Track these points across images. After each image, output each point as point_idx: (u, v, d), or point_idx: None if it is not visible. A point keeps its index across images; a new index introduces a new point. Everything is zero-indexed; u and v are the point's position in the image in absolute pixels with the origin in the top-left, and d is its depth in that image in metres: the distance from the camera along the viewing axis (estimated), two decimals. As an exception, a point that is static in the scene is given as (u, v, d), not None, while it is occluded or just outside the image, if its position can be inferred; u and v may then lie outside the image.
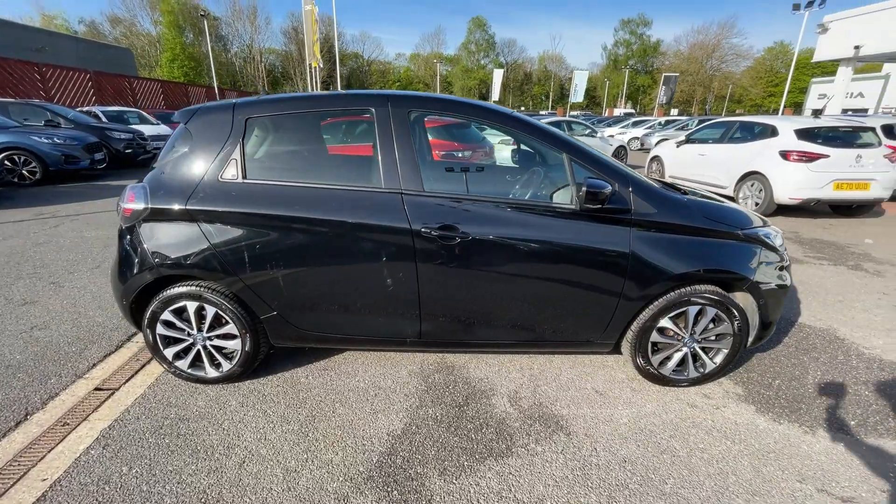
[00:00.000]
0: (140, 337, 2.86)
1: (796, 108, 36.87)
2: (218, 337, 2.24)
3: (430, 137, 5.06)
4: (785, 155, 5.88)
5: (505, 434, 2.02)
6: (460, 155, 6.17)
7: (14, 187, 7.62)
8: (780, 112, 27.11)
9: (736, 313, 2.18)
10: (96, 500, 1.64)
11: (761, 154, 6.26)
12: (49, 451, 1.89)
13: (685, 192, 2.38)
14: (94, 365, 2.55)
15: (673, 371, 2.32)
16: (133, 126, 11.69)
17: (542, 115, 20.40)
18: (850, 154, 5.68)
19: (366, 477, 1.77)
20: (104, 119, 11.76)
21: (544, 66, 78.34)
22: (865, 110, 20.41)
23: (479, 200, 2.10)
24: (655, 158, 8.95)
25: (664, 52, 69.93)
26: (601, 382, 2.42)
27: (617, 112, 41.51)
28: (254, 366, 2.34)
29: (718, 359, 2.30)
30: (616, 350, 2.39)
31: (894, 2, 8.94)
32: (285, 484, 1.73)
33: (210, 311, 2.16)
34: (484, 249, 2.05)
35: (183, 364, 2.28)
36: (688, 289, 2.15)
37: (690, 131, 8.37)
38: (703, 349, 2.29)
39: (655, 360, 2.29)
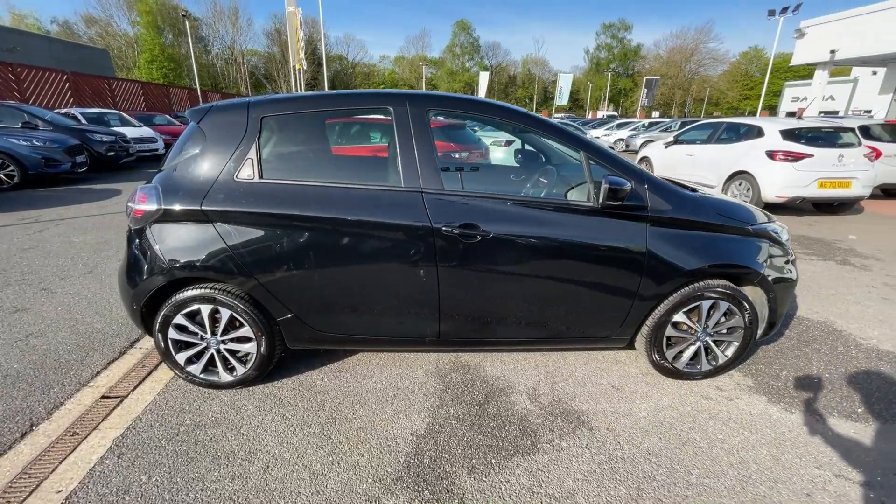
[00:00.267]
0: (144, 343, 2.78)
1: (771, 110, 38.10)
2: (232, 340, 2.19)
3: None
4: (771, 155, 6.08)
5: (529, 431, 2.03)
6: (457, 156, 6.19)
7: (-9, 192, 7.32)
8: (758, 114, 27.98)
9: (747, 306, 2.24)
10: (118, 510, 1.58)
11: (748, 154, 6.45)
12: (61, 462, 1.81)
13: (695, 190, 2.44)
14: (98, 372, 2.46)
15: (686, 365, 2.37)
16: (115, 128, 11.36)
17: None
18: (833, 153, 5.90)
19: (395, 478, 1.75)
20: (83, 121, 11.39)
21: (528, 69, 79.18)
22: (836, 112, 21.25)
23: (498, 198, 2.10)
24: (644, 159, 9.13)
25: (644, 55, 71.50)
26: (616, 378, 2.45)
27: (600, 114, 42.24)
28: (268, 369, 2.30)
29: (730, 351, 2.36)
30: (630, 346, 2.42)
31: (867, 8, 9.37)
32: (313, 487, 1.70)
33: (224, 314, 2.11)
34: (504, 247, 2.06)
35: (195, 369, 2.22)
36: (701, 283, 2.20)
37: (678, 132, 8.57)
38: (715, 342, 2.34)
39: (670, 354, 2.34)
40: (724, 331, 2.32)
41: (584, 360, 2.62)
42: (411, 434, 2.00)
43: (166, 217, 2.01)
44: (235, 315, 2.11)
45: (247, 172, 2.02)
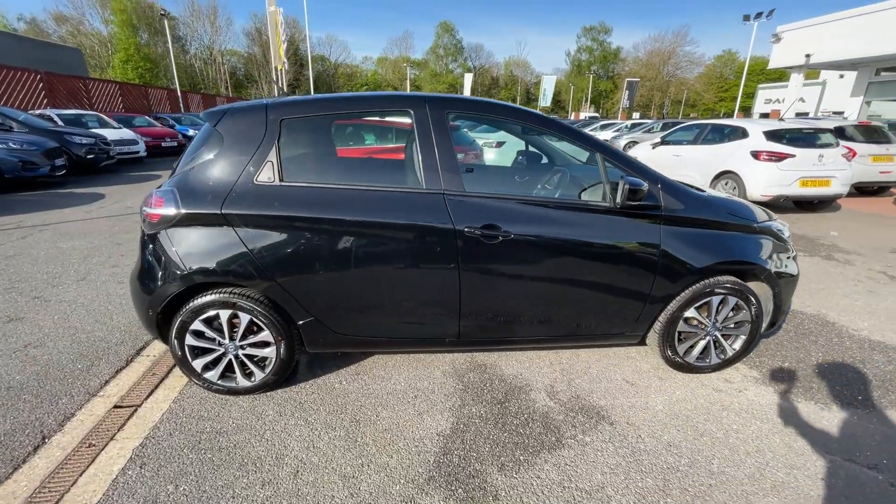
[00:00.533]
0: (151, 351, 2.72)
1: (745, 112, 39.39)
2: (251, 345, 2.16)
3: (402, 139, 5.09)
4: (756, 155, 6.30)
5: (552, 427, 2.06)
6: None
7: (-35, 197, 7.00)
8: (734, 115, 28.87)
9: (754, 301, 2.33)
10: (149, 521, 1.55)
11: (733, 154, 6.67)
12: (80, 475, 1.76)
13: (702, 190, 2.52)
14: (107, 382, 2.40)
15: (697, 359, 2.44)
16: (93, 130, 11.00)
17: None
18: (814, 153, 6.16)
19: (427, 478, 1.76)
20: (60, 123, 10.98)
21: (510, 70, 79.89)
22: (807, 114, 22.11)
23: (518, 200, 2.14)
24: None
25: (624, 58, 73.00)
26: (629, 373, 2.51)
27: (582, 116, 42.89)
28: (287, 374, 2.28)
29: (737, 345, 2.45)
30: (641, 342, 2.49)
31: (839, 14, 9.82)
32: (346, 491, 1.70)
33: (244, 319, 2.09)
34: (524, 247, 2.09)
35: (213, 375, 2.18)
36: (711, 280, 2.28)
37: (665, 134, 8.80)
38: (723, 336, 2.43)
39: (681, 349, 2.41)
40: (732, 325, 2.41)
41: (596, 356, 2.67)
42: (437, 434, 2.01)
43: (185, 221, 1.98)
44: (255, 319, 2.08)
45: (267, 175, 2.00)
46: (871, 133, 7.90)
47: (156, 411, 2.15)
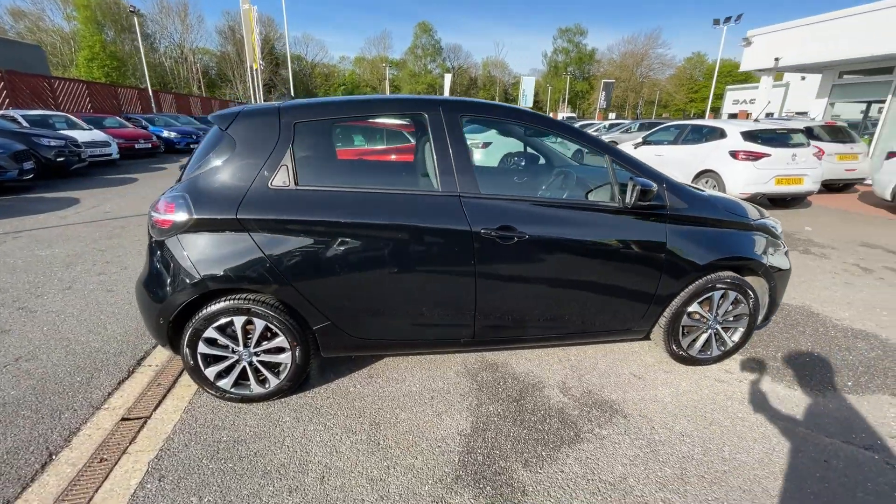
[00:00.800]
0: (152, 360, 2.64)
1: (715, 112, 40.89)
2: (265, 352, 2.13)
3: (412, 141, 5.10)
4: (734, 154, 6.58)
5: (569, 422, 2.12)
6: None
7: (-75, 203, 6.59)
8: (706, 116, 29.91)
9: (752, 294, 2.45)
10: (177, 534, 1.52)
11: (713, 154, 6.94)
12: (96, 491, 1.71)
13: (702, 189, 2.63)
14: (110, 394, 2.32)
15: (699, 351, 2.55)
16: (63, 132, 10.51)
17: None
18: (788, 153, 6.47)
19: (454, 477, 1.78)
20: (25, 124, 10.45)
21: (488, 71, 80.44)
22: (772, 114, 23.15)
23: (531, 201, 2.18)
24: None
25: (599, 59, 74.56)
26: (636, 367, 2.59)
27: (560, 116, 43.63)
28: (302, 379, 2.25)
29: (736, 337, 2.56)
30: (646, 337, 2.57)
31: (806, 20, 10.36)
32: (376, 494, 1.70)
33: (259, 325, 2.06)
34: (539, 248, 2.14)
35: (226, 383, 2.14)
36: (713, 275, 2.38)
37: (647, 134, 9.06)
38: (723, 329, 2.54)
39: (685, 342, 2.51)
40: (732, 318, 2.52)
41: (602, 352, 2.75)
42: (458, 433, 2.03)
43: (198, 227, 1.94)
44: (270, 325, 2.06)
45: (281, 179, 1.98)
46: (836, 133, 8.34)
47: (167, 422, 2.09)
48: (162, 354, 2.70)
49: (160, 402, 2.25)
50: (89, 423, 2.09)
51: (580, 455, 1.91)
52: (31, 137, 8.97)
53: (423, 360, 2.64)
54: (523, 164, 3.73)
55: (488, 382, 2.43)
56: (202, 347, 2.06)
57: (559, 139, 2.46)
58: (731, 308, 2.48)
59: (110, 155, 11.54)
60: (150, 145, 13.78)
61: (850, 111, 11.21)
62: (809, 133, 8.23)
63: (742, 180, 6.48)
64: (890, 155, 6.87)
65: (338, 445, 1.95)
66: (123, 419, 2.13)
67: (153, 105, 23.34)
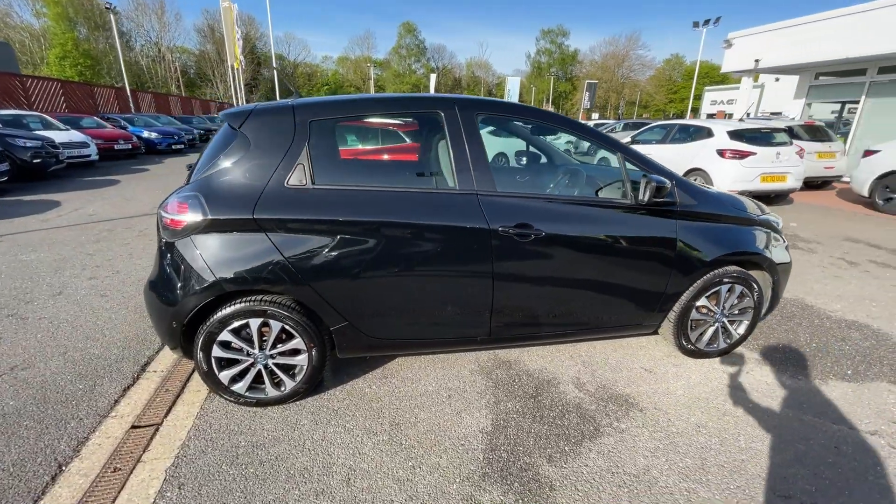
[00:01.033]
0: (156, 366, 2.56)
1: (695, 112, 41.93)
2: (281, 354, 2.09)
3: (407, 140, 5.08)
4: (721, 153, 6.75)
5: (587, 417, 2.14)
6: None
7: None
8: (687, 116, 30.62)
9: (756, 288, 2.52)
10: (205, 543, 1.48)
11: (700, 153, 7.12)
12: (113, 501, 1.65)
13: (708, 187, 2.69)
14: (116, 401, 2.24)
15: (706, 344, 2.61)
16: (38, 132, 10.11)
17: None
18: (772, 151, 6.68)
19: (481, 475, 1.78)
20: (-3, 124, 10.03)
21: (472, 71, 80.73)
22: (749, 114, 23.86)
23: (547, 198, 2.20)
24: (604, 159, 9.70)
25: (581, 60, 75.60)
26: (645, 361, 2.64)
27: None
28: (317, 381, 2.22)
29: (741, 329, 2.63)
30: (654, 331, 2.62)
31: (785, 23, 10.72)
32: (404, 494, 1.69)
33: (275, 327, 2.02)
34: (555, 245, 2.15)
35: (241, 387, 2.10)
36: (720, 270, 2.44)
37: (635, 133, 9.23)
38: (729, 322, 2.60)
39: (693, 336, 2.56)
40: (737, 312, 2.59)
41: (612, 347, 2.79)
42: (480, 431, 2.03)
43: (213, 227, 1.89)
44: (287, 327, 2.02)
45: (298, 178, 1.95)
46: (814, 132, 8.64)
47: (180, 429, 2.04)
48: (166, 360, 2.62)
49: (170, 408, 2.19)
50: (97, 432, 2.02)
51: (602, 449, 1.93)
52: (4, 138, 8.61)
53: (436, 359, 2.63)
54: (524, 161, 3.76)
55: (503, 380, 2.43)
56: (216, 351, 2.01)
57: (568, 136, 2.48)
58: (736, 302, 2.55)
59: (89, 156, 11.16)
60: (130, 146, 13.38)
61: (821, 112, 11.64)
62: (790, 132, 8.52)
63: (729, 178, 6.66)
64: (867, 153, 7.15)
65: (360, 447, 1.93)
66: (133, 427, 2.06)
67: (131, 105, 22.67)
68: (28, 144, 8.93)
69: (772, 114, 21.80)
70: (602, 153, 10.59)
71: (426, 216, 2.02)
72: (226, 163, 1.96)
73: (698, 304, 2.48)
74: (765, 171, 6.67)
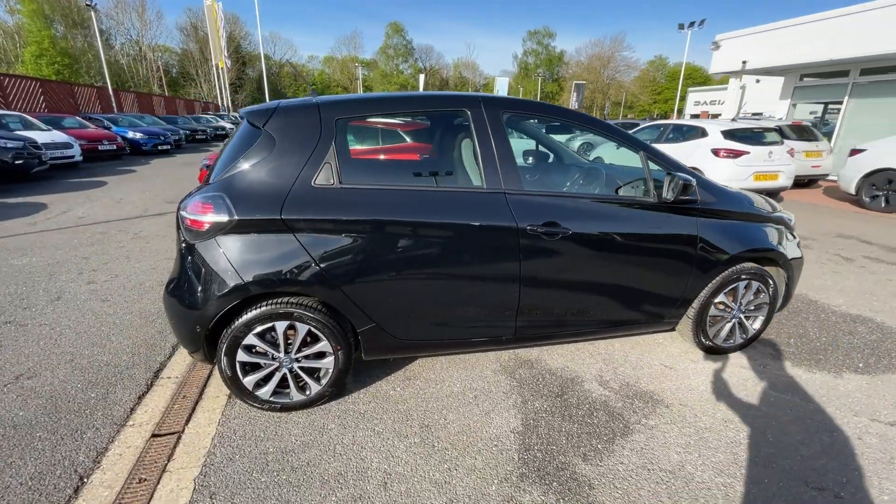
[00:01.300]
0: (171, 372, 2.49)
1: (680, 112, 42.69)
2: (307, 357, 2.05)
3: (408, 140, 5.05)
4: (716, 152, 6.88)
5: (616, 414, 2.15)
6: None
7: None
8: (674, 116, 31.14)
9: (772, 284, 2.56)
10: (246, 553, 1.43)
11: (695, 152, 7.24)
12: (143, 514, 1.59)
13: (725, 185, 2.72)
14: (132, 409, 2.17)
15: (724, 340, 2.64)
16: (19, 132, 9.77)
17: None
18: (764, 151, 6.83)
19: (518, 475, 1.77)
20: (-25, 124, 9.67)
21: (460, 72, 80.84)
22: (741, 115, 24.39)
23: (574, 196, 2.20)
24: (598, 159, 9.80)
25: (567, 61, 76.34)
26: (665, 358, 2.66)
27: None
28: (343, 384, 2.18)
29: (757, 325, 2.68)
30: (672, 328, 2.64)
31: (771, 25, 11.01)
32: (444, 497, 1.66)
33: (301, 330, 1.98)
34: (582, 243, 2.16)
35: (266, 392, 2.05)
36: (738, 266, 2.47)
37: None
38: (745, 318, 2.64)
39: (711, 332, 2.59)
40: (753, 307, 2.63)
41: (630, 345, 2.80)
42: (511, 431, 2.02)
43: (239, 228, 1.84)
44: (314, 329, 1.98)
45: (325, 177, 1.91)
46: (802, 132, 8.87)
47: (203, 437, 1.98)
48: (180, 365, 2.55)
49: (190, 415, 2.13)
50: (117, 442, 1.95)
51: (635, 446, 1.94)
52: (-15, 138, 8.30)
53: (458, 359, 2.61)
54: (530, 160, 3.76)
55: (527, 379, 2.43)
56: (241, 355, 1.96)
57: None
58: (753, 298, 2.59)
59: (73, 157, 10.83)
60: (114, 147, 13.01)
61: (801, 112, 11.96)
62: (779, 132, 8.72)
63: (725, 177, 6.78)
64: (853, 152, 7.37)
65: (392, 450, 1.90)
66: (154, 435, 1.99)
67: (113, 104, 22.07)
68: (9, 145, 8.60)
69: (753, 114, 22.24)
70: (595, 153, 10.72)
71: (455, 215, 2.00)
72: (249, 162, 1.91)
73: (716, 300, 2.51)
74: (757, 169, 6.82)
